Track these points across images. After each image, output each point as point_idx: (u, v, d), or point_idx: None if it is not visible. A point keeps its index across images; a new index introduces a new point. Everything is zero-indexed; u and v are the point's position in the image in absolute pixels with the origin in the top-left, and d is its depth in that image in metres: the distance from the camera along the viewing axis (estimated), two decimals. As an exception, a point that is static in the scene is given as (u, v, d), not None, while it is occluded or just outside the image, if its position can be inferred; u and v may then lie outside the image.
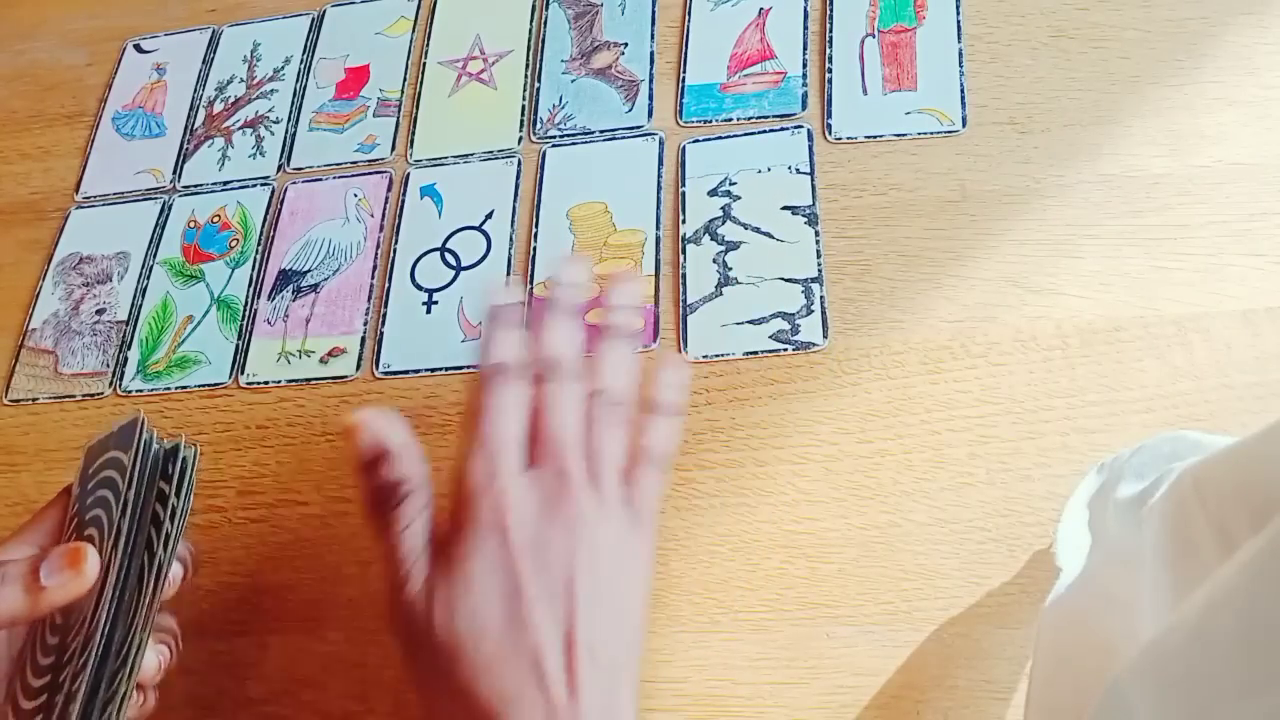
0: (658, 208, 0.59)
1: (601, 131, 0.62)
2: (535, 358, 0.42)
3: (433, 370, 0.58)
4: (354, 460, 0.40)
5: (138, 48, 0.74)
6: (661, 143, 0.60)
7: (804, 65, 0.60)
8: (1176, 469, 0.35)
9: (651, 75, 0.63)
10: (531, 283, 0.58)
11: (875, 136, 0.57)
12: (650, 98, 0.62)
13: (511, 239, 0.60)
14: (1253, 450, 0.31)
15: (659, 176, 0.59)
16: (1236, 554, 0.26)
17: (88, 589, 0.38)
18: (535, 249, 0.59)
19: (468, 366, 0.57)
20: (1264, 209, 0.51)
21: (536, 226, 0.60)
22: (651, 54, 0.64)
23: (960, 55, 0.58)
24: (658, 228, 0.58)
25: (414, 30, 0.69)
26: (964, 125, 0.56)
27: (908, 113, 0.57)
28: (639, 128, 0.61)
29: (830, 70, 0.60)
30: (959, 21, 0.59)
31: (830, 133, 0.58)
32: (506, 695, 0.35)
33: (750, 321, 0.54)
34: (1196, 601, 0.26)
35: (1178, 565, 0.33)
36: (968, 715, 0.45)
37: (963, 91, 0.57)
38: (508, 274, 0.59)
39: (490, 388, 0.40)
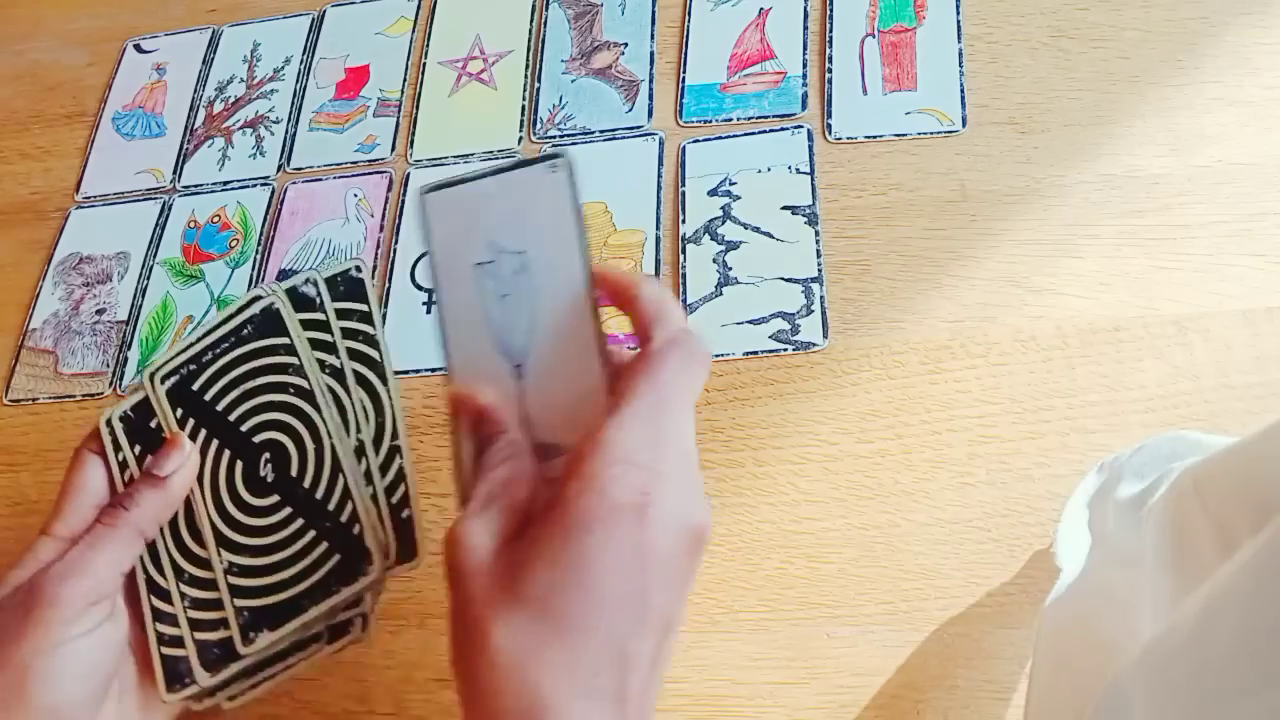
0: (658, 208, 0.59)
1: (601, 131, 0.62)
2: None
3: (433, 370, 0.58)
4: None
5: (138, 48, 0.74)
6: (661, 143, 0.60)
7: (804, 65, 0.60)
8: (1176, 469, 0.35)
9: (651, 75, 0.63)
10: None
11: (875, 136, 0.57)
12: (650, 98, 0.62)
13: (511, 239, 0.60)
14: (1253, 450, 0.31)
15: (659, 176, 0.59)
16: (1237, 554, 0.26)
17: (197, 457, 0.42)
18: (535, 249, 0.59)
19: (468, 366, 0.57)
20: (1264, 209, 0.51)
21: (536, 226, 0.60)
22: (651, 54, 0.64)
23: (960, 55, 0.58)
24: (658, 228, 0.58)
25: (414, 30, 0.69)
26: (964, 125, 0.56)
27: (908, 113, 0.57)
28: (639, 128, 0.61)
29: (830, 70, 0.60)
30: (959, 21, 0.59)
31: (830, 133, 0.58)
32: (550, 689, 0.31)
33: (750, 321, 0.54)
34: (1196, 601, 0.26)
35: (1178, 565, 0.33)
36: (968, 715, 0.45)
37: (963, 91, 0.57)
38: (508, 274, 0.59)
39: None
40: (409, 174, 0.64)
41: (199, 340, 0.48)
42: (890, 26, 0.60)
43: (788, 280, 0.55)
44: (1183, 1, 0.56)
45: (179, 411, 0.46)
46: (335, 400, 0.47)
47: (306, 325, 0.48)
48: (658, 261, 0.57)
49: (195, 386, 0.48)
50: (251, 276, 0.63)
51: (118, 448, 0.40)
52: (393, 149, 0.65)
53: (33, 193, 0.71)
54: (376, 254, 0.62)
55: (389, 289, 0.61)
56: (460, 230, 0.34)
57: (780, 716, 0.47)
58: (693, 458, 0.33)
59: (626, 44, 0.64)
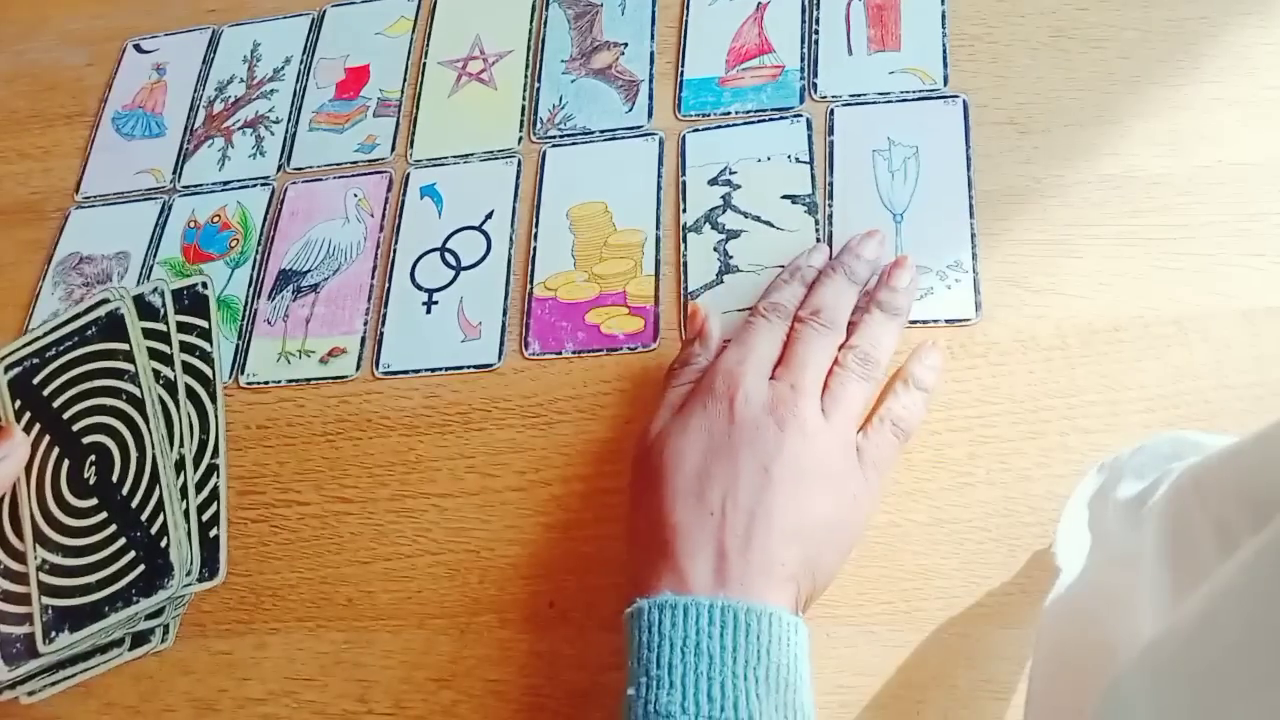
0: (658, 207, 0.59)
1: (601, 131, 0.62)
2: (805, 304, 0.49)
3: (433, 370, 0.58)
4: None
5: (138, 48, 0.74)
6: (661, 142, 0.60)
7: (801, 59, 0.60)
8: (1176, 469, 0.35)
9: (651, 75, 0.63)
10: (531, 283, 0.58)
11: (859, 95, 0.58)
12: (650, 97, 0.62)
13: (511, 239, 0.60)
14: (1253, 450, 0.31)
15: (659, 176, 0.59)
16: (1237, 553, 0.26)
17: (27, 448, 0.47)
18: (535, 249, 0.59)
19: (468, 366, 0.57)
20: (1264, 209, 0.51)
21: (536, 226, 0.60)
22: (651, 54, 0.64)
23: (943, 17, 0.59)
24: (658, 227, 0.58)
25: (414, 30, 0.69)
26: (945, 84, 0.56)
27: (891, 72, 0.58)
28: (639, 128, 0.61)
29: (817, 33, 0.60)
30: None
31: (815, 91, 0.58)
32: (683, 525, 0.42)
33: (751, 309, 0.54)
34: (1197, 601, 0.26)
35: (1178, 565, 0.33)
36: (968, 715, 0.45)
37: (944, 52, 0.58)
38: (508, 274, 0.59)
39: (760, 318, 0.49)
40: (409, 174, 0.64)
41: (46, 335, 0.50)
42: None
43: (788, 277, 0.55)
44: (1183, 1, 0.56)
45: (17, 403, 0.47)
46: (164, 412, 0.48)
47: (148, 334, 0.49)
48: (658, 260, 0.57)
49: (36, 380, 0.49)
50: (251, 276, 0.63)
51: None
52: (393, 149, 0.65)
53: (33, 193, 0.71)
54: (376, 254, 0.62)
55: (389, 289, 0.61)
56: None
57: (780, 716, 0.47)
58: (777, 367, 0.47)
59: (626, 44, 0.64)
